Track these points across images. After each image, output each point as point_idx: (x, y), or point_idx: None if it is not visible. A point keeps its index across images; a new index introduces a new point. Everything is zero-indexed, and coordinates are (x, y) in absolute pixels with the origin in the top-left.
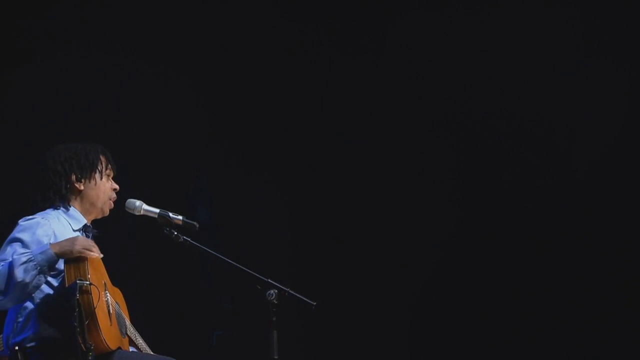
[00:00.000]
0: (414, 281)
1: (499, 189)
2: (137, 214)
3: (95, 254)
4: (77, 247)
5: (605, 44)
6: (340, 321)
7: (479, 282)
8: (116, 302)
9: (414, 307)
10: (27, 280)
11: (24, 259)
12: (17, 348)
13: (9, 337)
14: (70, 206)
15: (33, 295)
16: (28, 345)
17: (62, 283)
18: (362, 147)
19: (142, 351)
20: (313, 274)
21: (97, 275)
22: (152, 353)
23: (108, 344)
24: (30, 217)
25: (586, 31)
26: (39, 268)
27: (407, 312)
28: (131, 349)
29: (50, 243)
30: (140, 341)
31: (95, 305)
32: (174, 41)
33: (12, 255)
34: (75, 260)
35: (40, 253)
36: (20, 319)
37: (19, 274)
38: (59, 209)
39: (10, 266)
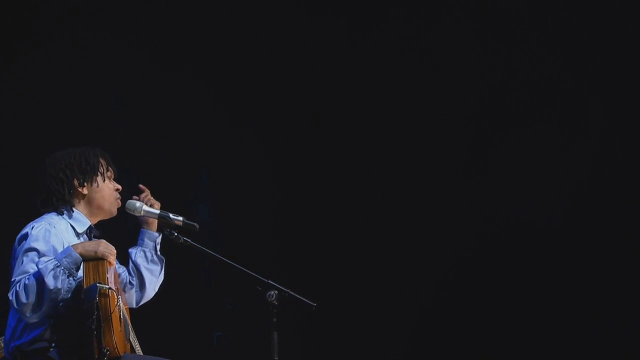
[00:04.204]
0: (414, 282)
1: (497, 189)
2: (138, 215)
3: (112, 261)
4: (101, 249)
5: None
6: (340, 322)
7: (478, 282)
8: (123, 306)
9: (413, 308)
10: (59, 286)
11: (50, 266)
12: (17, 352)
13: (9, 342)
14: (74, 210)
15: None
16: (28, 349)
17: (79, 283)
18: (363, 146)
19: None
20: (313, 275)
21: (112, 279)
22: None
23: (119, 349)
24: (37, 223)
25: None
26: (67, 272)
27: (407, 312)
28: None
29: (71, 245)
30: (137, 347)
31: (111, 310)
32: (174, 39)
33: (37, 265)
34: (95, 260)
35: (65, 257)
36: (20, 323)
37: (49, 281)
38: (62, 214)
39: (39, 276)
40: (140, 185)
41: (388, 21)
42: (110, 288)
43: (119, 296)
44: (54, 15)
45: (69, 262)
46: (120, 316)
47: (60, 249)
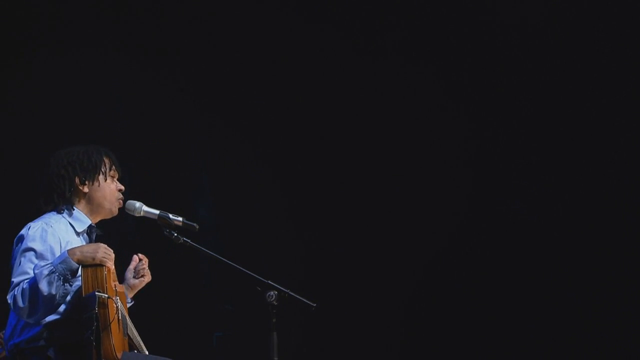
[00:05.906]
0: (414, 283)
1: (494, 190)
2: (137, 215)
3: (111, 266)
4: (100, 255)
5: None
6: (340, 322)
7: (477, 283)
8: (120, 302)
9: (413, 309)
10: (54, 292)
11: (45, 271)
12: (16, 350)
13: (8, 339)
14: (74, 208)
15: None
16: (27, 347)
17: (78, 289)
18: (362, 147)
19: (138, 348)
20: (313, 276)
21: (110, 278)
22: (147, 353)
23: (117, 354)
24: (33, 224)
25: None
26: (62, 278)
27: (406, 313)
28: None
29: (68, 250)
30: (136, 336)
31: (111, 320)
32: (174, 41)
33: (34, 270)
34: (94, 267)
35: (60, 263)
36: (20, 321)
37: (44, 287)
38: (62, 212)
39: (33, 282)
40: (140, 255)
41: (387, 23)
42: (109, 297)
43: (117, 297)
44: (55, 16)
45: (64, 269)
46: (119, 318)
47: (57, 248)
